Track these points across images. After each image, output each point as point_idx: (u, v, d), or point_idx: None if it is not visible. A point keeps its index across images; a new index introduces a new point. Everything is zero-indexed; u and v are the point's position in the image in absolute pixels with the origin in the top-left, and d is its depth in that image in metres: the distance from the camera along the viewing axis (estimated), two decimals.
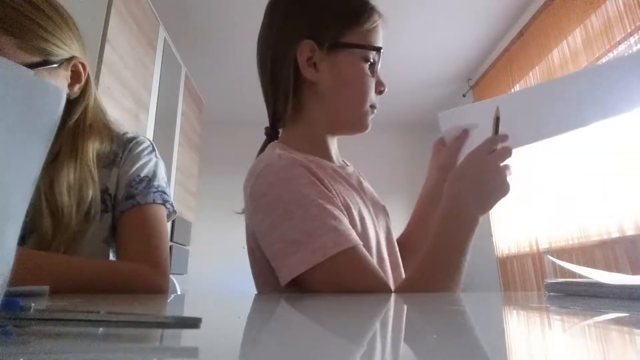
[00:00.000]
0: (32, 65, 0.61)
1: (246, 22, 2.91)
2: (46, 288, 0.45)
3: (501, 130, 0.63)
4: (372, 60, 0.66)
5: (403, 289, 0.55)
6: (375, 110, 0.70)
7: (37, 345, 0.20)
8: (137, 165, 0.72)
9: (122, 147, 0.74)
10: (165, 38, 2.46)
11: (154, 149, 0.78)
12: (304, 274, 0.51)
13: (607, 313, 0.30)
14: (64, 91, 0.19)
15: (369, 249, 0.60)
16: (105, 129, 0.74)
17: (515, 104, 0.64)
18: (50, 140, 0.18)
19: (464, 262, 0.56)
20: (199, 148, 3.28)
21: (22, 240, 0.61)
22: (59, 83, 0.66)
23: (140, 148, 0.75)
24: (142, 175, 0.72)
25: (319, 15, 0.66)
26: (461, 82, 3.71)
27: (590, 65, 0.64)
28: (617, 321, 0.27)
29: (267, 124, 0.71)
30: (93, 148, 0.69)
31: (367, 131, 0.71)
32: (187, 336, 0.21)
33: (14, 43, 0.60)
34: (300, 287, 0.54)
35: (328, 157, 0.70)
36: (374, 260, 0.57)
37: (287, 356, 0.16)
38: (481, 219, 0.59)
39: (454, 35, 3.08)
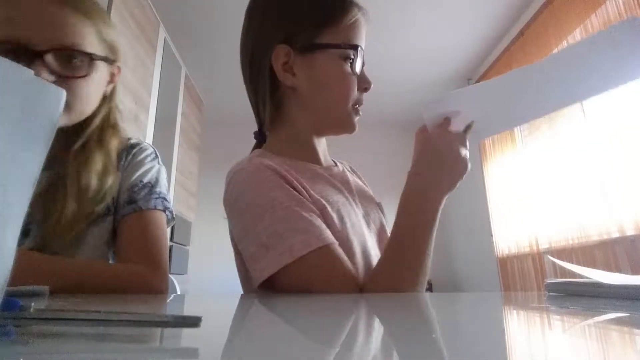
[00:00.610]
0: (102, 58, 0.67)
1: None
2: (46, 288, 0.45)
3: (488, 112, 0.64)
4: (352, 58, 0.64)
5: (373, 277, 0.55)
6: (361, 108, 0.69)
7: (37, 345, 0.20)
8: (140, 171, 0.73)
9: (126, 152, 0.75)
10: (165, 38, 2.46)
11: (157, 156, 0.79)
12: (276, 275, 0.52)
13: (607, 313, 0.30)
14: (64, 91, 0.19)
15: (348, 248, 0.59)
16: (121, 131, 0.77)
17: (498, 90, 0.65)
18: (51, 140, 0.18)
19: (431, 243, 0.56)
20: (199, 148, 3.28)
21: (35, 226, 0.62)
22: (103, 79, 0.70)
23: (144, 154, 0.76)
24: (144, 181, 0.72)
25: (292, 18, 0.65)
26: (461, 81, 3.72)
27: (572, 44, 0.62)
28: (617, 321, 0.27)
29: None
30: (115, 145, 0.72)
31: (354, 132, 0.70)
32: (187, 336, 0.21)
33: (95, 33, 0.66)
34: (274, 289, 0.54)
35: (314, 158, 0.69)
36: (348, 259, 0.55)
37: (285, 355, 0.16)
38: (445, 199, 0.58)
39: (454, 34, 3.08)
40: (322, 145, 0.73)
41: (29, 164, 0.18)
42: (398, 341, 0.19)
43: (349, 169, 0.80)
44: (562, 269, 2.26)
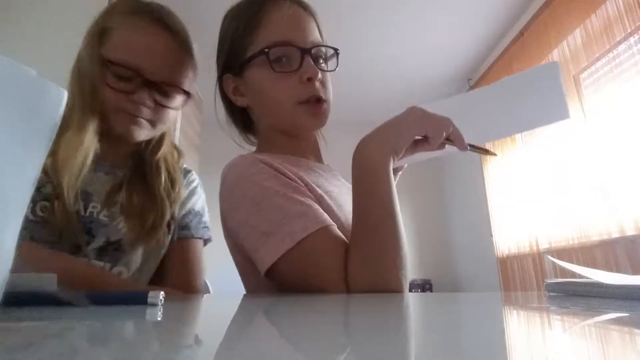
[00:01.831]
0: (191, 94, 0.72)
1: None
2: (53, 276, 0.46)
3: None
4: (279, 57, 0.63)
5: (351, 257, 0.52)
6: (325, 101, 0.66)
7: (6, 333, 0.19)
8: (193, 199, 0.79)
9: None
10: None
11: (199, 184, 0.85)
12: (279, 262, 0.51)
13: (607, 313, 0.30)
14: (65, 92, 0.19)
15: (348, 234, 0.58)
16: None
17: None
18: (51, 140, 0.18)
19: (393, 215, 0.52)
20: (199, 148, 3.28)
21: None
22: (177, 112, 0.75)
23: (196, 182, 0.83)
24: (196, 209, 0.78)
25: (225, 47, 0.69)
26: (461, 81, 3.71)
27: (504, 79, 0.63)
28: (617, 321, 0.27)
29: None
30: (176, 159, 0.78)
31: (314, 128, 0.69)
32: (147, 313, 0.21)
33: (192, 71, 0.72)
34: (278, 278, 0.54)
35: (303, 156, 0.70)
36: (346, 240, 0.55)
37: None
38: (394, 161, 0.54)
39: (454, 34, 3.08)
40: (309, 144, 0.73)
41: (30, 164, 0.18)
42: (397, 341, 0.19)
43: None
44: (562, 269, 2.26)
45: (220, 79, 0.71)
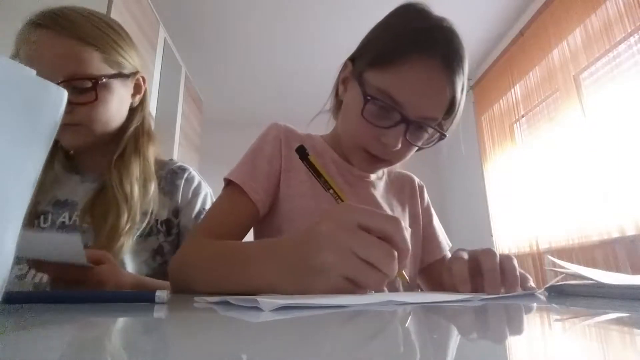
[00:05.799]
0: (111, 76, 0.69)
1: (246, 23, 2.90)
2: (77, 236, 0.45)
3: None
4: (379, 107, 0.58)
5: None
6: (382, 158, 0.64)
7: (9, 331, 0.19)
8: (200, 200, 0.81)
9: (175, 176, 0.80)
10: (165, 38, 2.46)
11: (200, 179, 0.86)
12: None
13: (607, 313, 0.30)
14: (65, 91, 0.19)
15: (291, 219, 0.65)
16: (156, 138, 0.81)
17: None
18: (51, 140, 0.18)
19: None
20: (199, 148, 3.28)
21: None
22: (126, 93, 0.74)
23: (197, 181, 0.83)
24: (206, 208, 0.80)
25: (366, 42, 0.65)
26: None
27: None
28: (617, 321, 0.27)
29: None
30: (152, 152, 0.77)
31: (366, 172, 0.71)
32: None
33: (100, 57, 0.68)
34: None
35: (344, 157, 0.72)
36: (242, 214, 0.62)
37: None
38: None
39: None
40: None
41: (30, 164, 0.18)
42: (395, 339, 0.19)
43: (411, 186, 0.87)
44: (563, 268, 2.26)
45: (351, 59, 0.66)
